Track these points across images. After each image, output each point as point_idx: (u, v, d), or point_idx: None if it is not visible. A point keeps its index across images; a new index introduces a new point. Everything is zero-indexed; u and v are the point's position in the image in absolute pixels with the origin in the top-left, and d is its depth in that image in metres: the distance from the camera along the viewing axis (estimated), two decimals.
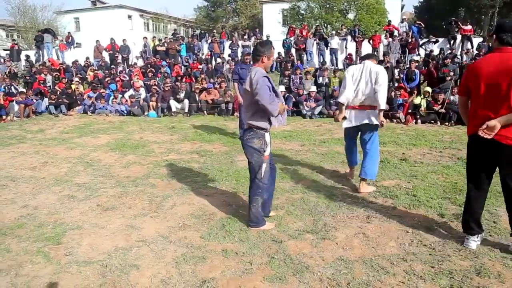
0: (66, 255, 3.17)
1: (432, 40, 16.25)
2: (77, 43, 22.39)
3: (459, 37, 16.52)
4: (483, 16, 29.08)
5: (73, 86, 13.85)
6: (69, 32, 23.37)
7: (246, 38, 19.31)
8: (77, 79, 15.07)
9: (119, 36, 20.51)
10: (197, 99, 11.82)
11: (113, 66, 16.76)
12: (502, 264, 2.90)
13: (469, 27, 16.55)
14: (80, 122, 10.61)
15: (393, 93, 10.27)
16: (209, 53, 18.22)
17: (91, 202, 4.38)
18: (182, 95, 11.72)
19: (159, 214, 3.99)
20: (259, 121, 3.45)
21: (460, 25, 16.57)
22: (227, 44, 18.81)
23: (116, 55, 17.59)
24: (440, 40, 16.91)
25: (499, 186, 4.63)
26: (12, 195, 4.67)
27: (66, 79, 14.73)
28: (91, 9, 35.85)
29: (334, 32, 18.11)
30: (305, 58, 16.81)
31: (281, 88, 11.23)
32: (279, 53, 16.76)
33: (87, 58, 17.79)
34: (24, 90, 12.62)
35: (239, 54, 17.58)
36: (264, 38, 18.64)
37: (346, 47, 17.35)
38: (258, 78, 3.29)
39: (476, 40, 16.43)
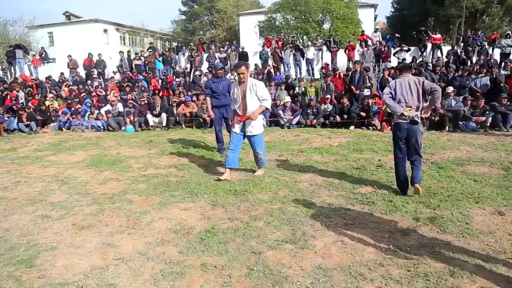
0: (39, 278, 3.08)
1: (405, 48, 16.70)
2: (51, 58, 22.06)
3: (429, 45, 17.05)
4: (451, 26, 30.07)
5: (47, 103, 13.58)
6: (42, 47, 22.98)
7: (223, 50, 19.40)
8: (51, 95, 14.79)
9: (95, 50, 20.30)
10: (175, 112, 11.77)
11: (89, 81, 16.56)
12: (474, 264, 2.98)
13: (438, 35, 17.10)
14: (55, 139, 10.39)
15: (369, 101, 10.48)
16: (187, 66, 18.22)
17: (66, 221, 4.28)
18: (158, 109, 11.66)
19: (137, 231, 3.93)
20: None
21: (430, 34, 17.12)
22: (204, 56, 18.86)
23: (92, 70, 17.39)
24: (412, 48, 17.40)
25: (470, 188, 4.81)
26: None
27: (40, 95, 14.45)
28: (65, 23, 35.47)
29: (310, 43, 18.40)
30: (282, 69, 17.00)
31: None
32: (256, 64, 16.91)
33: (62, 73, 17.52)
34: None
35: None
36: (241, 50, 18.75)
37: (322, 57, 17.65)
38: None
39: (445, 48, 16.98)
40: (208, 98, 7.39)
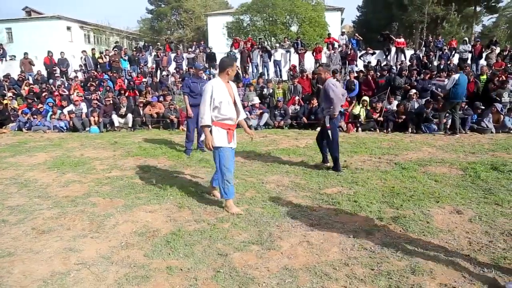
0: None
1: (370, 52, 17.16)
2: (11, 56, 21.08)
3: (393, 49, 17.59)
4: (414, 30, 31.23)
5: (5, 102, 12.97)
6: (1, 44, 21.89)
7: (191, 51, 19.23)
8: (10, 94, 14.14)
9: (58, 48, 19.60)
10: (141, 113, 11.55)
11: (51, 80, 15.97)
12: (434, 261, 3.09)
13: (402, 40, 17.68)
14: (14, 140, 9.95)
15: None
16: (153, 66, 17.92)
17: (25, 225, 4.10)
18: (124, 109, 11.40)
19: (100, 234, 3.82)
20: None
21: (394, 38, 17.68)
22: (171, 56, 18.63)
23: (54, 68, 16.78)
24: (377, 52, 17.91)
25: (431, 188, 4.99)
26: None
27: None
28: (26, 19, 34.02)
29: (278, 44, 18.56)
30: (250, 70, 17.04)
31: None
32: None
33: (22, 71, 16.80)
34: None
35: (184, 67, 17.46)
36: (208, 50, 18.65)
37: (289, 59, 17.83)
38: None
39: (409, 52, 17.58)
40: (186, 97, 7.45)
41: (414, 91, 11.01)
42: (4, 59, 19.76)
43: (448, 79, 9.80)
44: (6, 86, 15.22)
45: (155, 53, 18.73)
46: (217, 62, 17.04)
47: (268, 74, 16.85)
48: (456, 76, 9.18)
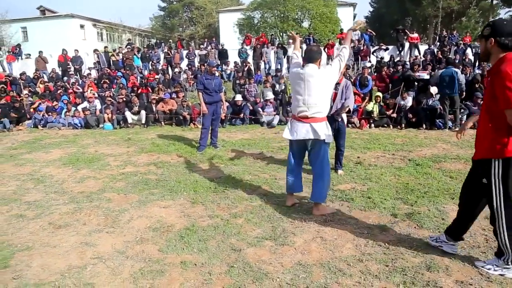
0: (14, 278, 2.99)
1: (383, 47, 16.96)
2: (26, 54, 21.42)
3: (407, 44, 17.36)
4: (428, 25, 30.79)
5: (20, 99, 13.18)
6: (18, 44, 22.25)
7: (203, 47, 19.28)
8: (26, 92, 14.37)
9: (72, 46, 19.83)
10: (154, 109, 11.64)
11: (65, 77, 16.18)
12: (450, 258, 3.05)
13: (415, 35, 17.44)
14: (30, 137, 10.12)
15: None
16: (165, 63, 18.02)
17: (42, 220, 4.18)
18: (136, 108, 11.51)
19: (116, 229, 3.87)
20: None
21: (408, 33, 17.45)
22: (183, 53, 18.71)
23: (68, 66, 17.00)
24: (390, 47, 17.70)
25: (446, 184, 4.92)
26: None
27: (14, 91, 14.02)
28: (40, 18, 34.53)
29: (290, 41, 18.49)
30: (262, 66, 17.01)
31: (238, 97, 11.29)
32: (235, 62, 16.86)
33: (37, 69, 17.06)
34: None
35: (196, 63, 17.52)
36: (220, 47, 18.67)
37: (302, 55, 17.73)
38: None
39: (423, 47, 17.33)
40: (200, 94, 7.46)
41: (436, 90, 10.59)
42: (20, 57, 20.08)
43: (433, 73, 9.83)
44: (22, 84, 15.48)
45: (166, 50, 18.83)
46: (229, 59, 17.20)
47: (281, 71, 16.83)
48: (439, 72, 9.16)
